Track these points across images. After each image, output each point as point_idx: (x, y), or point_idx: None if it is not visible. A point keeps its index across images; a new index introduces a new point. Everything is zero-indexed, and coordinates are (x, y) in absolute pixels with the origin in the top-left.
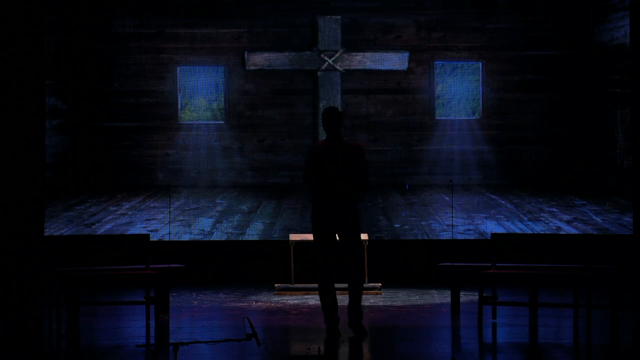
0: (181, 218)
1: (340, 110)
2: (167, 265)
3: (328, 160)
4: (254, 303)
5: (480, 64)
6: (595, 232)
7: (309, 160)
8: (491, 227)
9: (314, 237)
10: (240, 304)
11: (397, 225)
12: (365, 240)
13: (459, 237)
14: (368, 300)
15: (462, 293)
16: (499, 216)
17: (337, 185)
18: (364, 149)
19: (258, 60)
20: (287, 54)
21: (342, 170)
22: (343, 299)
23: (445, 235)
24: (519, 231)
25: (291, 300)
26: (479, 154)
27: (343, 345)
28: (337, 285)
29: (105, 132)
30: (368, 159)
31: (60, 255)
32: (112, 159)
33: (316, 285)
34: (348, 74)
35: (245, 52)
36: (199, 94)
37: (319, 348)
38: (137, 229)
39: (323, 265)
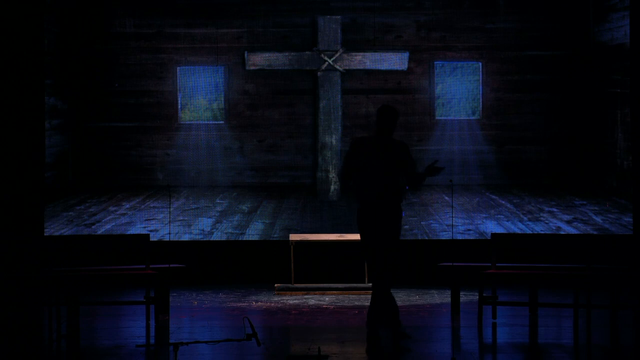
0: (181, 218)
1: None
2: (167, 265)
3: (374, 156)
4: (254, 303)
5: (480, 64)
6: (595, 232)
7: (350, 153)
8: (491, 227)
9: (360, 238)
10: (240, 304)
11: None
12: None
13: (459, 237)
14: (369, 300)
15: (462, 293)
16: (499, 216)
17: (382, 184)
18: (409, 147)
19: (258, 60)
20: (287, 54)
21: (388, 169)
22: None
23: (445, 235)
24: (519, 231)
25: (291, 300)
26: (479, 154)
27: (344, 346)
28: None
29: (105, 132)
30: (414, 157)
31: (60, 255)
32: (112, 159)
33: (316, 285)
34: (348, 74)
35: (245, 52)
36: (199, 94)
37: (318, 348)
38: (137, 229)
39: (375, 266)
